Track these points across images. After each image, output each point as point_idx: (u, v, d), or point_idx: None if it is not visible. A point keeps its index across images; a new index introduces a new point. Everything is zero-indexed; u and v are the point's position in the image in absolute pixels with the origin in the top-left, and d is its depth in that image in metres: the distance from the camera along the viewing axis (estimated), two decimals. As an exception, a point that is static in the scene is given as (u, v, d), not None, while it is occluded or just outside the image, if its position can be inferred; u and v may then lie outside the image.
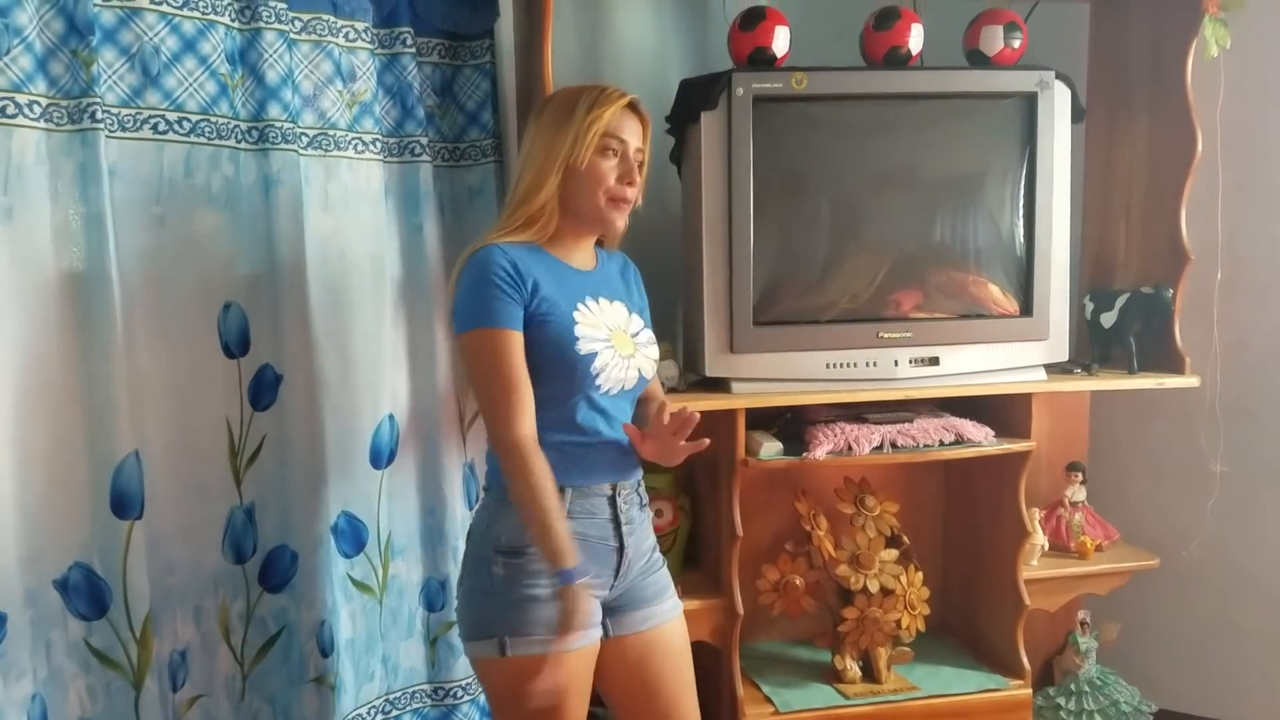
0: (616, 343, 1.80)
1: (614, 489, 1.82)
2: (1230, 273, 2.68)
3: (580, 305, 1.78)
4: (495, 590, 1.74)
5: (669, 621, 1.90)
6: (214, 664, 2.17)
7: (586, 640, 1.75)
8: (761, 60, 2.42)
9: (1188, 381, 2.61)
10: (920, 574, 2.56)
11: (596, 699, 2.63)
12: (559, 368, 1.75)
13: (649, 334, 1.91)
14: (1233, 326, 2.72)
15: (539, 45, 2.26)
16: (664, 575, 1.92)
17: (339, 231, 2.25)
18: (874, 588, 2.50)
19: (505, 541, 1.74)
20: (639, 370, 1.84)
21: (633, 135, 1.81)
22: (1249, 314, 2.74)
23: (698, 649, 2.46)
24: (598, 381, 1.77)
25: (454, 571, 2.43)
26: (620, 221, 1.83)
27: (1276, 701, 2.82)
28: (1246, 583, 2.84)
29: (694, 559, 2.66)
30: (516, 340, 1.71)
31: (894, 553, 2.56)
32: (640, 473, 1.89)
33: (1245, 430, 2.76)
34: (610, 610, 1.85)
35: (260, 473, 2.18)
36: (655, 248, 2.65)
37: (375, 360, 2.31)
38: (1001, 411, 2.57)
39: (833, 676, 2.59)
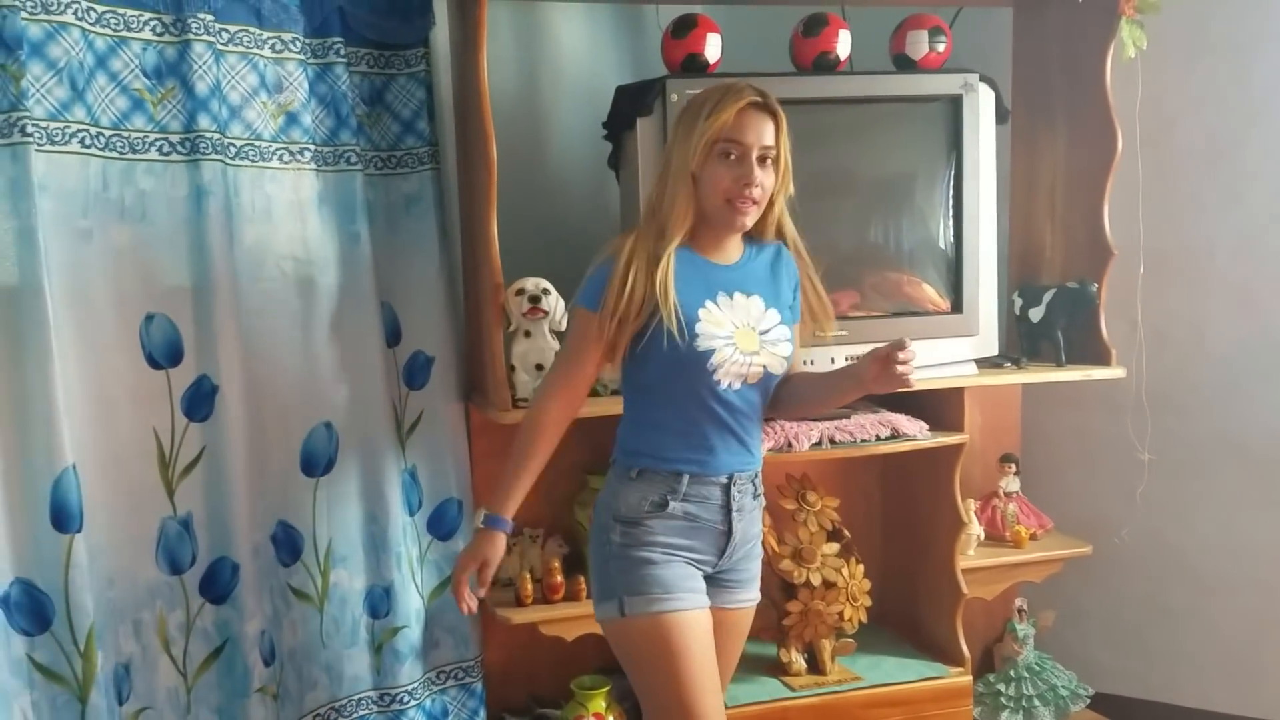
0: (740, 340, 1.86)
1: (730, 479, 1.89)
2: (1152, 266, 2.76)
3: (709, 302, 1.85)
4: (614, 555, 1.86)
5: (745, 606, 2.00)
6: (156, 676, 2.17)
7: (696, 606, 1.86)
8: (694, 67, 2.46)
9: (1114, 373, 2.69)
10: (861, 566, 2.61)
11: (527, 706, 2.66)
12: (679, 362, 1.82)
13: (782, 330, 1.93)
14: (1156, 318, 2.80)
15: (474, 54, 2.29)
16: (757, 565, 2.01)
17: (266, 241, 2.26)
18: (816, 581, 2.55)
19: (624, 513, 1.87)
20: (764, 367, 1.88)
21: (755, 134, 1.82)
22: (1171, 306, 2.82)
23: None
24: (715, 377, 1.84)
25: (397, 578, 2.46)
26: (744, 221, 1.86)
27: (1209, 681, 2.91)
28: (1177, 567, 2.92)
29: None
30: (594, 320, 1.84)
31: (835, 546, 2.60)
32: (758, 465, 1.96)
33: (1171, 419, 2.84)
34: (708, 581, 1.93)
35: (196, 483, 2.19)
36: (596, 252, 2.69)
37: (306, 368, 2.33)
38: (935, 406, 2.63)
39: (778, 669, 2.63)
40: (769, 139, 1.84)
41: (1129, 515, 2.89)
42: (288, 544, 2.31)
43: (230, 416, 2.19)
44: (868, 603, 2.63)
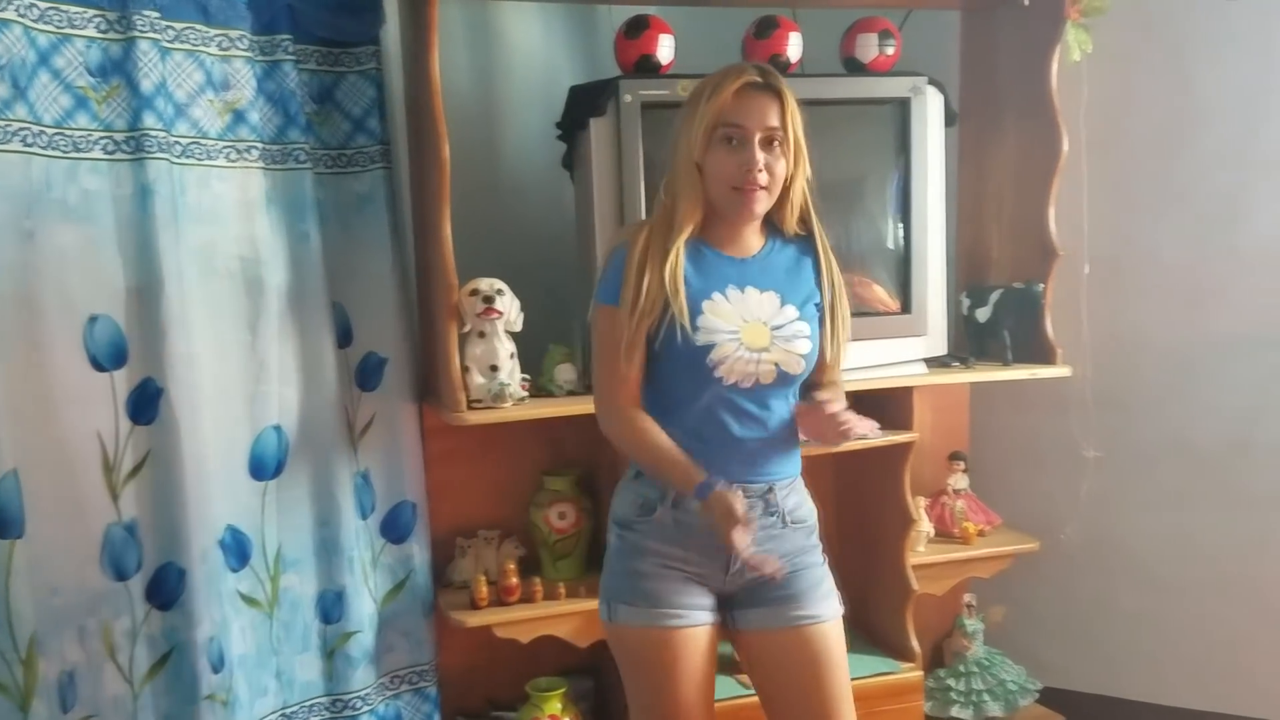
0: (746, 335, 1.74)
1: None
2: (1097, 267, 2.81)
3: (715, 294, 1.75)
4: (612, 556, 1.86)
5: (810, 623, 1.81)
6: (101, 684, 2.13)
7: (688, 623, 1.77)
8: (647, 67, 2.46)
9: (1059, 372, 2.73)
10: (814, 565, 2.63)
11: (483, 710, 2.64)
12: (684, 358, 1.73)
13: (799, 326, 1.79)
14: (1101, 318, 2.84)
15: (425, 52, 2.27)
16: (811, 576, 1.83)
17: (213, 241, 2.23)
18: (769, 580, 2.56)
19: (620, 514, 1.83)
20: (776, 365, 1.75)
21: (756, 116, 1.71)
22: (1116, 306, 2.87)
23: (600, 648, 2.50)
24: (718, 374, 1.73)
25: (349, 583, 2.43)
26: (754, 209, 1.75)
27: (1154, 674, 2.96)
28: (1122, 562, 2.97)
29: (598, 560, 2.67)
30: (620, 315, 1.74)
31: (788, 545, 2.62)
32: (773, 478, 1.81)
33: (1115, 417, 2.89)
34: (736, 604, 1.83)
35: (142, 488, 2.15)
36: (553, 252, 2.69)
37: (254, 371, 2.30)
38: (886, 405, 2.64)
39: (733, 668, 2.61)
40: (773, 120, 1.72)
41: (1074, 511, 2.94)
42: (236, 549, 2.28)
43: (176, 420, 2.15)
44: (820, 600, 2.65)
